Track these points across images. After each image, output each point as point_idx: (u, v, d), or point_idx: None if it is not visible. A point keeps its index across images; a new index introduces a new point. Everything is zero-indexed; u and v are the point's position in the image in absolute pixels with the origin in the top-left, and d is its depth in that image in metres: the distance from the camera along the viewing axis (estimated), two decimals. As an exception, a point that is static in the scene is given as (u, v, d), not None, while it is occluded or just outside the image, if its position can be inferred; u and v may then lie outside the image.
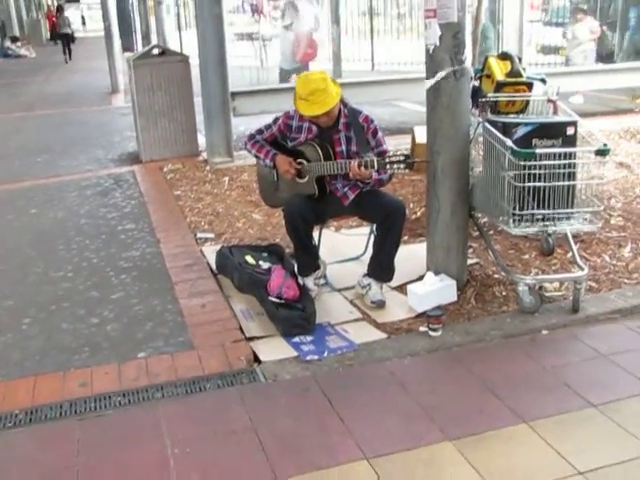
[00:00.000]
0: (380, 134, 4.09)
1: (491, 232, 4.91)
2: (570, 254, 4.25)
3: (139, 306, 4.19)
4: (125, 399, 3.20)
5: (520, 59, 4.39)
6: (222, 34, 7.35)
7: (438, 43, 3.75)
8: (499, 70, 4.25)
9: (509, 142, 3.62)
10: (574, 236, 4.78)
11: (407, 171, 3.87)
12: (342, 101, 4.05)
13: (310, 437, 2.86)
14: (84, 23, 48.62)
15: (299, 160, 4.11)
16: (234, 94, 7.74)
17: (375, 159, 3.79)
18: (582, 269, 3.87)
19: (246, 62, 14.54)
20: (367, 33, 17.24)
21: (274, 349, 3.62)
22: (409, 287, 4.08)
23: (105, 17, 14.90)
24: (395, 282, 4.25)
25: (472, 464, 2.65)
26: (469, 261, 4.45)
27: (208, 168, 7.50)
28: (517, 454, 2.72)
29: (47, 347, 3.74)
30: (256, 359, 3.53)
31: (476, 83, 4.32)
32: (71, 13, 34.06)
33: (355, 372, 3.38)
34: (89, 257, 5.06)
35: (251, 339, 3.73)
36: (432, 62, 3.83)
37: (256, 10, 17.37)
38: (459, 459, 2.69)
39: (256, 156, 4.25)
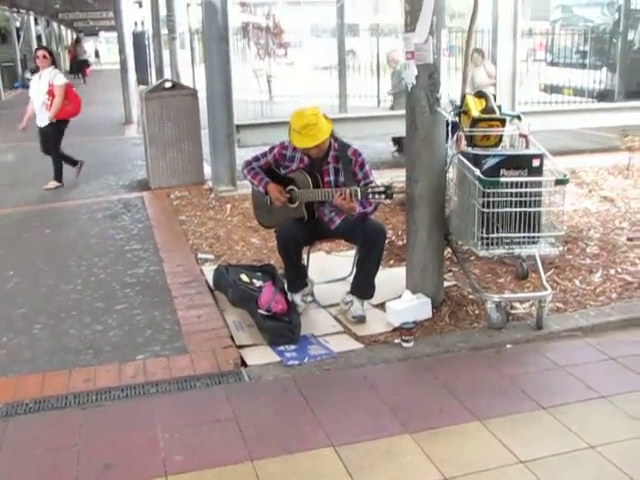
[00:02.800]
0: (367, 167, 4.40)
1: (472, 258, 5.24)
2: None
3: (140, 316, 4.55)
4: (123, 393, 3.57)
5: (495, 97, 4.78)
6: (228, 70, 7.75)
7: (415, 82, 4.15)
8: (475, 107, 4.64)
9: (477, 172, 4.00)
10: (550, 262, 5.14)
11: (388, 201, 4.23)
12: (333, 136, 4.37)
13: (284, 427, 3.21)
14: (97, 55, 50.03)
15: (289, 187, 4.44)
16: (239, 126, 8.12)
17: (358, 189, 4.12)
18: (546, 289, 4.21)
19: (250, 96, 14.98)
20: (374, 70, 17.68)
21: (260, 355, 3.96)
22: (387, 303, 4.40)
23: (121, 51, 15.30)
24: (377, 300, 4.57)
25: (427, 453, 2.99)
26: (448, 283, 4.78)
27: (212, 196, 7.83)
28: (468, 446, 3.05)
29: (55, 349, 4.11)
30: (243, 364, 3.87)
31: (455, 119, 4.70)
32: (87, 46, 35.43)
33: (331, 375, 3.72)
34: (97, 273, 5.45)
35: (240, 347, 4.07)
36: (410, 98, 4.23)
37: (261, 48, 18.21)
38: (415, 449, 3.03)
39: (251, 182, 4.60)
